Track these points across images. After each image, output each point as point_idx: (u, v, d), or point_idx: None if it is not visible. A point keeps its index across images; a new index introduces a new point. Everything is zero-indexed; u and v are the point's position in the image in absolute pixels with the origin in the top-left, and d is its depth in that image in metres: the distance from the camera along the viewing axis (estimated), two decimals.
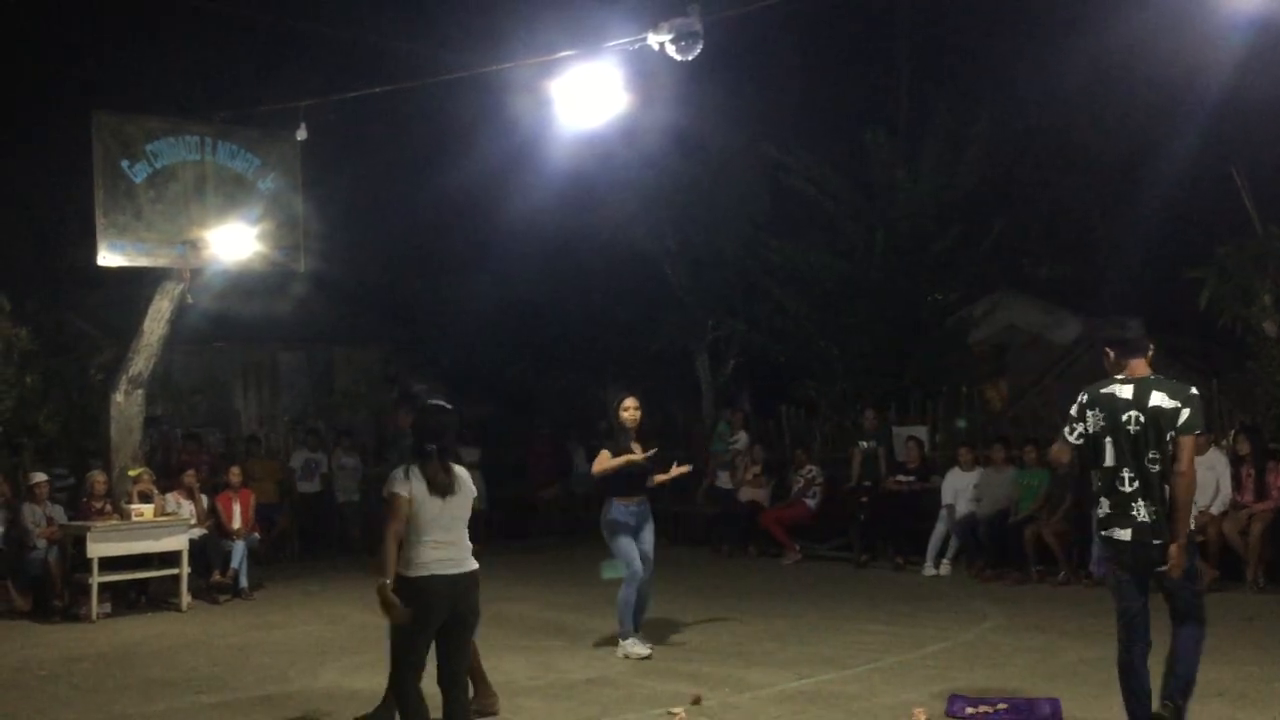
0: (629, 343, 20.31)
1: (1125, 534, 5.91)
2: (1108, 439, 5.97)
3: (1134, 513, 5.89)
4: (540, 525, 18.40)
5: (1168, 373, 6.33)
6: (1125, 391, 5.99)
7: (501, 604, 10.69)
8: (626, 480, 8.98)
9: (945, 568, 13.06)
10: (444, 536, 5.59)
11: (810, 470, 15.04)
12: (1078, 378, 16.39)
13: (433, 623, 5.54)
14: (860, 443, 14.80)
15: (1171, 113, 15.18)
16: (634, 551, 8.90)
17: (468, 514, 5.74)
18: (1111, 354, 6.18)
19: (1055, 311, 18.05)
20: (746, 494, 15.52)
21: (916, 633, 9.60)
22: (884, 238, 16.48)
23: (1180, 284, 13.64)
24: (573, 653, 9.12)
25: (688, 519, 17.00)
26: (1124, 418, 5.93)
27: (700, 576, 13.47)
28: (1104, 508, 6.01)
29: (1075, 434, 6.14)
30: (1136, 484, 5.89)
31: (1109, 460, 5.97)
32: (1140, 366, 6.08)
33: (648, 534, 9.03)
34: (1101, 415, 6.00)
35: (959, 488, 13.25)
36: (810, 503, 14.88)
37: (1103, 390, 6.06)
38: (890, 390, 16.04)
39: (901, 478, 14.13)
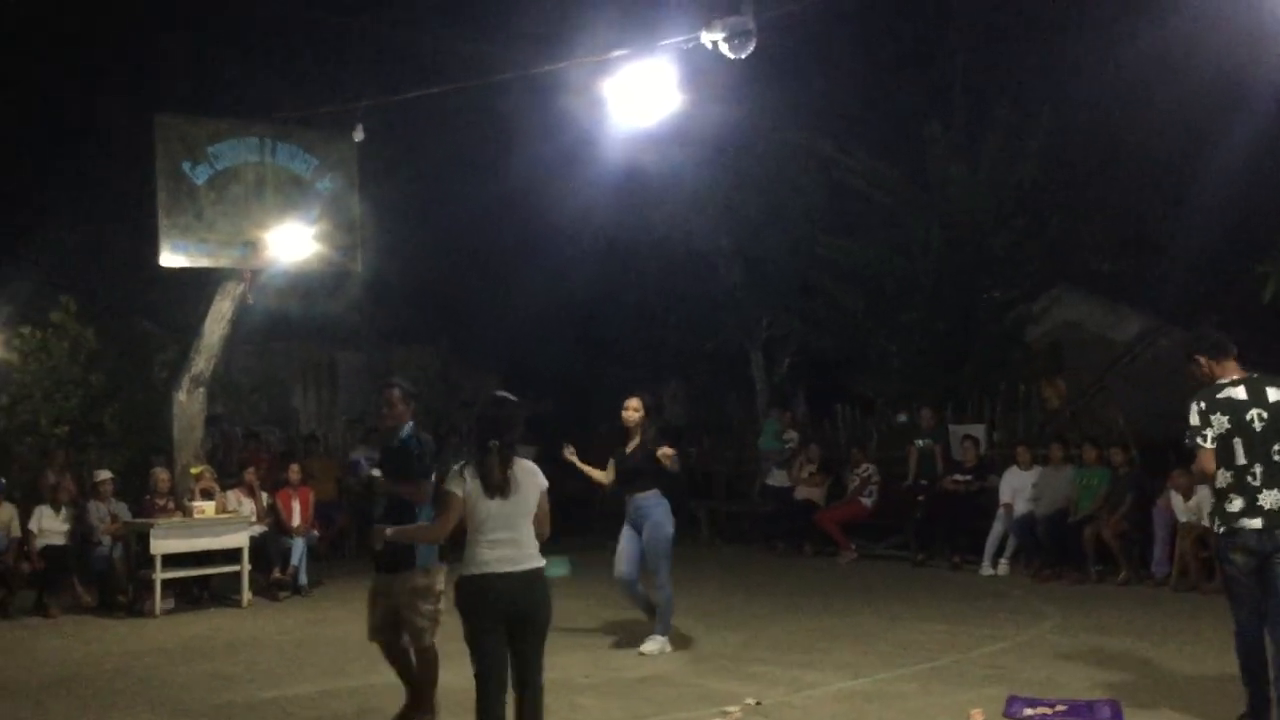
0: (684, 340, 20.31)
1: (1256, 523, 6.13)
2: (1236, 439, 6.21)
3: (1261, 502, 6.13)
4: (597, 522, 18.43)
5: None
6: (1240, 393, 6.28)
7: (558, 601, 10.70)
8: (618, 479, 9.12)
9: (1003, 567, 12.94)
10: (502, 535, 5.43)
11: (866, 469, 14.98)
12: (1138, 375, 16.29)
13: (492, 622, 5.40)
14: (917, 441, 14.72)
15: (1232, 103, 14.92)
16: (620, 549, 8.96)
17: (531, 510, 5.53)
18: (1204, 361, 6.43)
19: (1115, 308, 17.82)
20: (802, 492, 15.48)
21: (974, 632, 9.53)
22: (940, 234, 16.35)
23: (1244, 278, 13.41)
24: (627, 650, 9.13)
25: (743, 517, 16.99)
26: (1247, 416, 6.22)
27: (755, 575, 13.45)
28: (1235, 504, 6.21)
29: (1209, 439, 6.31)
30: (1262, 476, 6.15)
31: (1240, 459, 6.20)
32: (1234, 367, 6.37)
33: (643, 532, 8.92)
34: (1226, 418, 6.25)
35: (1017, 486, 13.12)
36: (866, 501, 14.82)
37: (1219, 395, 6.31)
38: (947, 388, 15.91)
39: (959, 477, 14.02)
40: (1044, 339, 17.67)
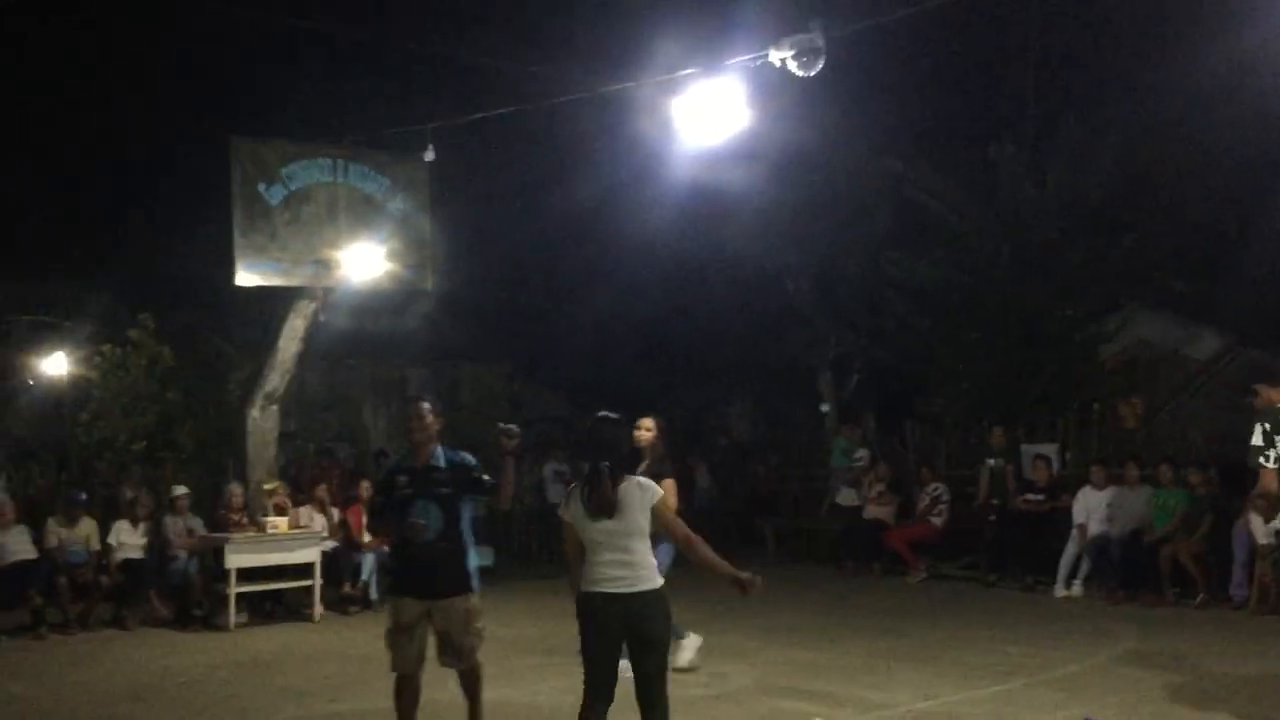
0: (752, 358, 20.27)
1: None
2: None
3: None
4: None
5: None
6: None
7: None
8: None
9: (1077, 589, 12.74)
10: (614, 555, 5.38)
11: (936, 488, 14.85)
12: (1216, 394, 15.98)
13: (602, 642, 5.40)
14: (987, 460, 14.57)
15: None
16: None
17: (641, 529, 5.40)
18: (1261, 390, 6.89)
19: (1191, 326, 17.51)
20: (872, 511, 15.36)
21: (1047, 655, 9.39)
22: (1010, 251, 16.19)
23: None
24: (698, 669, 9.10)
25: (813, 535, 16.90)
26: None
27: (825, 594, 13.37)
28: None
29: (1273, 459, 6.60)
30: None
31: None
32: None
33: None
34: None
35: (1091, 507, 12.92)
36: (937, 521, 14.69)
37: None
38: (1018, 407, 15.73)
39: (1030, 496, 13.84)
40: (1119, 357, 17.42)
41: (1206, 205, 17.64)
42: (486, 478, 6.51)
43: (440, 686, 7.06)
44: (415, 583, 6.38)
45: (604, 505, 5.39)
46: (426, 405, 6.54)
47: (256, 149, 13.22)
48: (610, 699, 5.44)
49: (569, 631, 5.72)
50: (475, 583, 6.52)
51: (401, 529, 6.33)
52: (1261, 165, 16.50)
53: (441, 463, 6.44)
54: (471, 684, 6.64)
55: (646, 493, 5.44)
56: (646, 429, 8.50)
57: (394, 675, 6.50)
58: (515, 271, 20.35)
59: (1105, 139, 16.17)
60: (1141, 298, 17.40)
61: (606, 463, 5.44)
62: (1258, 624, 10.68)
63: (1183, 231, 17.51)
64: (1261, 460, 6.57)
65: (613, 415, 5.72)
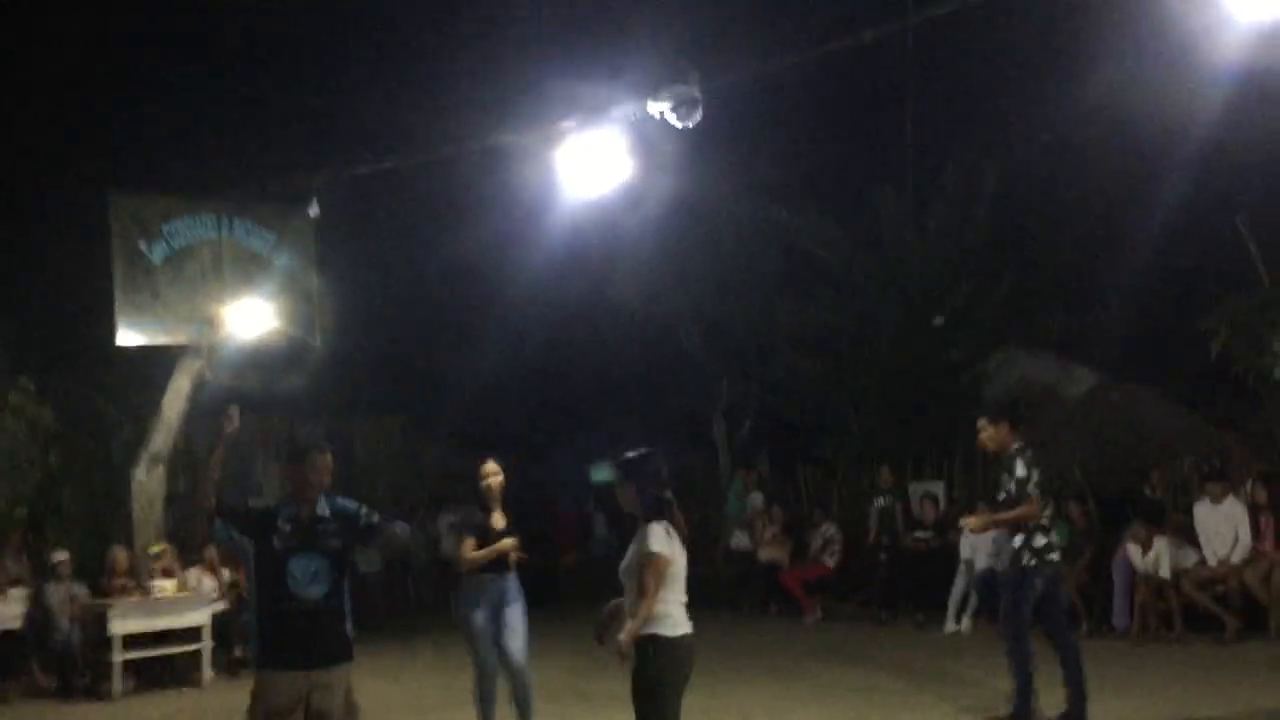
0: (647, 405, 20.36)
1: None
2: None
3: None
4: (562, 591, 18.35)
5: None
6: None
7: (534, 668, 10.65)
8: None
9: (966, 624, 12.98)
10: (682, 594, 5.36)
11: (828, 529, 15.05)
12: (1093, 429, 16.46)
13: (682, 686, 5.29)
14: (876, 499, 14.81)
15: (1168, 161, 15.30)
16: (485, 642, 7.76)
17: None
18: (988, 429, 8.32)
19: (1068, 365, 18.05)
20: (766, 554, 15.50)
21: (940, 690, 9.56)
22: (895, 296, 16.57)
23: (1187, 333, 13.68)
24: (592, 716, 9.09)
25: (707, 581, 16.95)
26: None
27: (719, 637, 13.38)
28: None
29: (1033, 485, 8.09)
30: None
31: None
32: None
33: (512, 616, 7.77)
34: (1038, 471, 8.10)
35: (976, 543, 13.14)
36: (829, 561, 14.87)
37: (1028, 453, 8.16)
38: (906, 448, 16.04)
39: (919, 534, 14.09)
40: (1000, 397, 17.84)
41: (1076, 246, 18.25)
42: (376, 518, 5.86)
43: None
44: (292, 651, 5.54)
45: (683, 539, 5.33)
46: (328, 455, 5.84)
47: (137, 205, 12.95)
48: None
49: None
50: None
51: (276, 592, 5.53)
52: (1127, 206, 17.14)
53: (327, 512, 5.72)
54: None
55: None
56: (493, 473, 7.86)
57: None
58: (405, 323, 20.20)
59: (982, 183, 16.67)
60: (1020, 338, 17.93)
61: (670, 495, 5.34)
62: (1140, 651, 10.98)
63: (1056, 272, 18.09)
64: (1030, 490, 7.73)
65: (644, 450, 5.55)
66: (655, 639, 5.21)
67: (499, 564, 7.71)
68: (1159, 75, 12.28)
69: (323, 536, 5.65)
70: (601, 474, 7.49)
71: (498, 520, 7.78)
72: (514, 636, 7.72)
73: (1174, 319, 15.18)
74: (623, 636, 5.25)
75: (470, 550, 7.64)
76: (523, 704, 7.85)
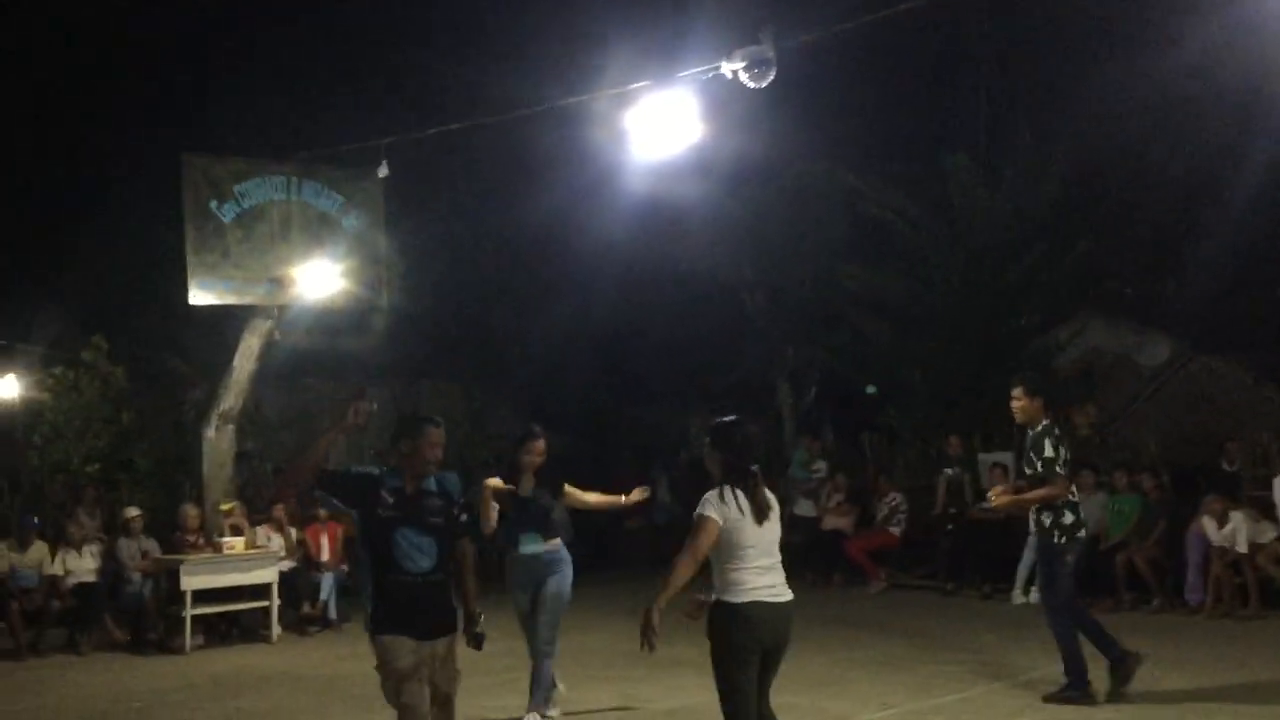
0: (710, 372, 20.27)
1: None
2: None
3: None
4: (624, 556, 18.39)
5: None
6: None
7: (584, 635, 10.70)
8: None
9: (1034, 596, 12.79)
10: (765, 562, 5.24)
11: (894, 498, 14.91)
12: (1168, 400, 16.18)
13: (752, 653, 5.21)
14: (945, 470, 14.64)
15: (1256, 123, 14.88)
16: (522, 620, 7.83)
17: (779, 536, 5.37)
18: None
19: (1143, 333, 17.72)
20: (830, 522, 15.41)
21: (1005, 662, 9.45)
22: (964, 262, 16.32)
23: (1268, 303, 13.36)
24: (654, 682, 9.09)
25: None
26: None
27: None
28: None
29: (1060, 464, 7.83)
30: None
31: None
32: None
33: (547, 591, 7.71)
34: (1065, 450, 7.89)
35: None
36: (895, 530, 14.75)
37: (1058, 431, 8.05)
38: (974, 416, 15.83)
39: (987, 505, 13.89)
40: (1073, 365, 17.58)
41: (1156, 212, 17.87)
42: (464, 519, 5.82)
43: None
44: (405, 620, 5.47)
45: (764, 509, 5.27)
46: (441, 429, 5.70)
47: (209, 166, 13.10)
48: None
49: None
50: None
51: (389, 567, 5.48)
52: (1209, 172, 16.73)
53: (434, 488, 5.64)
54: None
55: (776, 505, 5.39)
56: (539, 453, 7.83)
57: None
58: (472, 286, 20.25)
59: (1056, 147, 16.34)
60: (1094, 305, 17.60)
61: (756, 466, 5.33)
62: (1212, 626, 10.78)
63: (1133, 238, 17.72)
64: (1059, 469, 7.78)
65: (735, 418, 5.54)
66: (722, 605, 5.18)
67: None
68: (1254, 37, 11.90)
69: (426, 513, 5.57)
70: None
71: (527, 484, 7.81)
72: (541, 612, 7.69)
73: (1255, 288, 14.82)
74: (658, 599, 5.18)
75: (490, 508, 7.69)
76: (533, 682, 7.78)
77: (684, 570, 5.14)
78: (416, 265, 16.12)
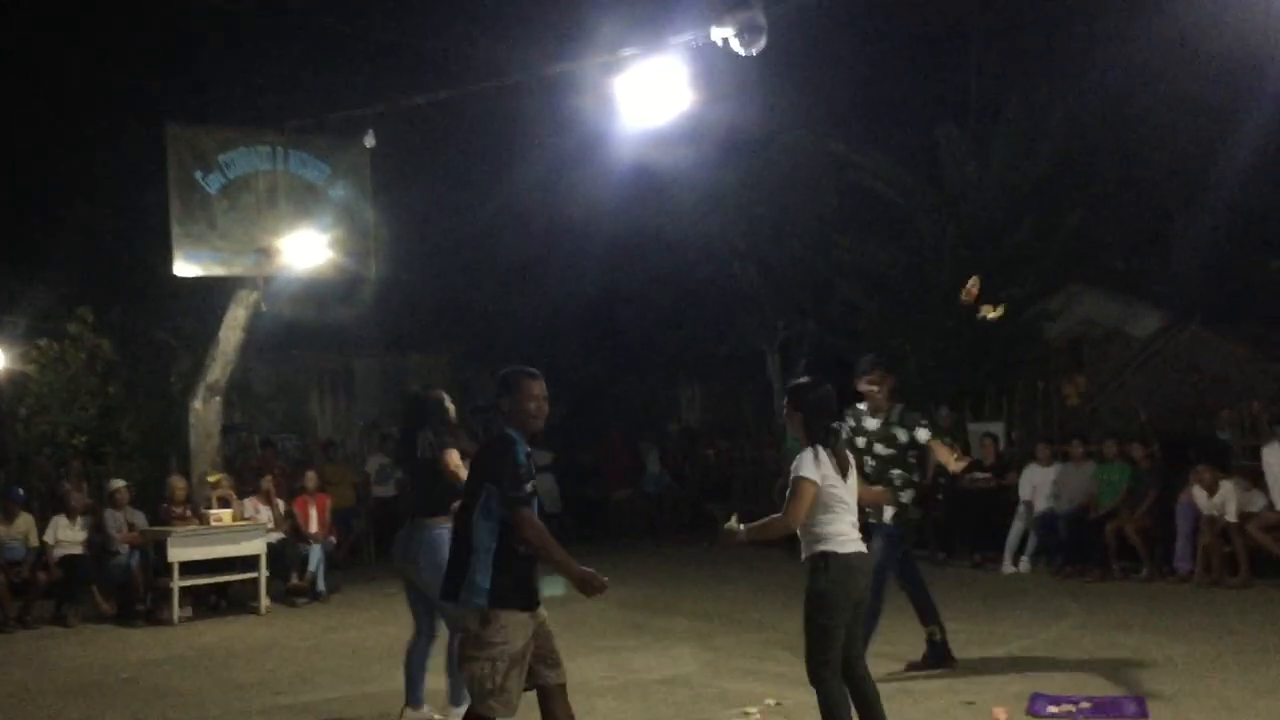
0: (700, 343, 20.22)
1: None
2: None
3: None
4: (614, 527, 18.40)
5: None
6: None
7: (576, 605, 10.62)
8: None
9: (1024, 565, 12.84)
10: (852, 516, 5.49)
11: None
12: (1158, 371, 16.17)
13: (854, 601, 5.44)
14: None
15: (1248, 96, 14.83)
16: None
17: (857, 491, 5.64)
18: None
19: (1133, 304, 17.69)
20: None
21: (996, 630, 9.45)
22: (955, 232, 16.26)
23: (1257, 273, 13.34)
24: (646, 652, 9.08)
25: (762, 518, 16.92)
26: None
27: (775, 575, 13.36)
28: None
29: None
30: None
31: None
32: None
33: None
34: None
35: (1037, 484, 13.02)
36: None
37: None
38: (965, 387, 15.81)
39: (978, 475, 13.91)
40: (1063, 336, 17.56)
41: (1146, 184, 17.83)
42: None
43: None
44: (526, 593, 5.12)
45: (847, 465, 5.52)
46: (541, 380, 5.41)
47: (193, 136, 13.00)
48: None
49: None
50: None
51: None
52: (1202, 143, 16.68)
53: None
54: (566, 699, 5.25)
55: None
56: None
57: None
58: (460, 256, 20.14)
59: (1048, 118, 16.26)
60: (1084, 277, 17.56)
61: (838, 424, 5.56)
62: (1202, 595, 10.80)
63: (1123, 211, 17.69)
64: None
65: (812, 379, 5.74)
66: (827, 555, 5.38)
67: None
68: (1243, 7, 11.84)
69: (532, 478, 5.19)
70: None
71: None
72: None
73: (1244, 259, 14.80)
74: (743, 527, 5.53)
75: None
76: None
77: (777, 529, 5.46)
78: (404, 236, 16.02)
